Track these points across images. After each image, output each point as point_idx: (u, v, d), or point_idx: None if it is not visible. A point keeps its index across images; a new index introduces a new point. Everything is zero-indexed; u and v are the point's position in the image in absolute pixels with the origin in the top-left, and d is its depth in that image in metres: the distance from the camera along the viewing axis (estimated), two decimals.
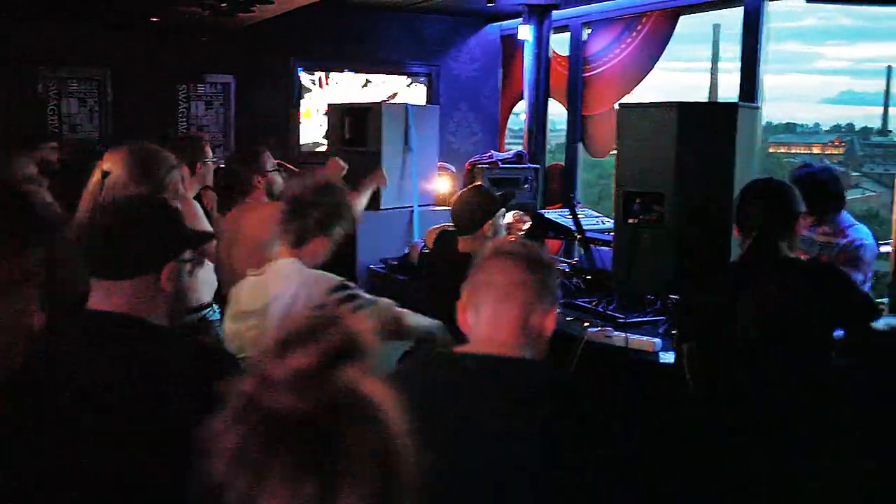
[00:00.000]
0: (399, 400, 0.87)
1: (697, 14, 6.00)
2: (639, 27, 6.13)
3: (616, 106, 6.32)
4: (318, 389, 0.81)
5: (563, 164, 6.88)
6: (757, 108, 3.87)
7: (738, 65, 5.25)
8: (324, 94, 7.04)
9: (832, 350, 2.89)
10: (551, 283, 1.86)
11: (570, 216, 4.89)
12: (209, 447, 0.81)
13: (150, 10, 5.75)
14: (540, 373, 1.84)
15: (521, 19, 6.56)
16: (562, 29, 6.75)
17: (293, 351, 0.83)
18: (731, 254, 3.36)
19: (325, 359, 0.83)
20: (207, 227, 3.88)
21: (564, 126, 6.89)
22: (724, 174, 3.42)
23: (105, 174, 2.46)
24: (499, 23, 7.40)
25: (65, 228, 1.99)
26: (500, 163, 6.18)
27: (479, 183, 5.22)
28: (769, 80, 5.23)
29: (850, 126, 24.37)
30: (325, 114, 6.08)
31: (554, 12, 6.49)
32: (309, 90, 7.07)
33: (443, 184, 5.97)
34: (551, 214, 5.79)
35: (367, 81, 7.25)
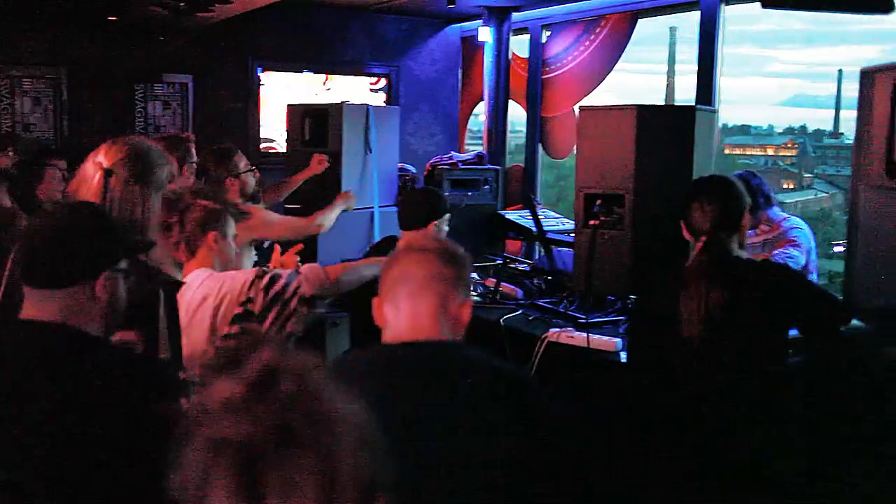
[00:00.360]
0: (348, 404, 0.87)
1: (655, 17, 6.07)
2: (598, 29, 6.19)
3: (576, 108, 6.42)
4: (255, 414, 0.81)
5: (522, 165, 6.92)
6: (714, 111, 3.93)
7: (695, 67, 5.32)
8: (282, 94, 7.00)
9: (787, 349, 2.93)
10: (465, 276, 1.93)
11: (531, 217, 4.92)
12: (164, 468, 0.81)
13: (107, 8, 5.67)
14: (467, 351, 1.91)
15: (480, 21, 6.58)
16: (521, 31, 6.78)
17: (223, 377, 0.83)
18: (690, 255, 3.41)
19: (257, 383, 0.83)
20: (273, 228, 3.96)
21: (524, 127, 6.92)
22: (683, 176, 3.46)
23: (109, 173, 2.41)
24: (459, 24, 7.41)
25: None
26: (460, 164, 6.20)
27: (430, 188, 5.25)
28: (725, 83, 5.30)
29: (803, 128, 24.80)
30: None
31: (513, 14, 6.52)
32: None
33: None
34: (512, 215, 5.83)
35: (327, 87, 7.22)
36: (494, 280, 4.49)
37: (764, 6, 3.47)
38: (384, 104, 7.22)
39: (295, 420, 0.82)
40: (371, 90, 7.34)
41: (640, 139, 3.52)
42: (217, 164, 4.09)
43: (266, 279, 2.72)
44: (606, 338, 3.58)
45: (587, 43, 6.28)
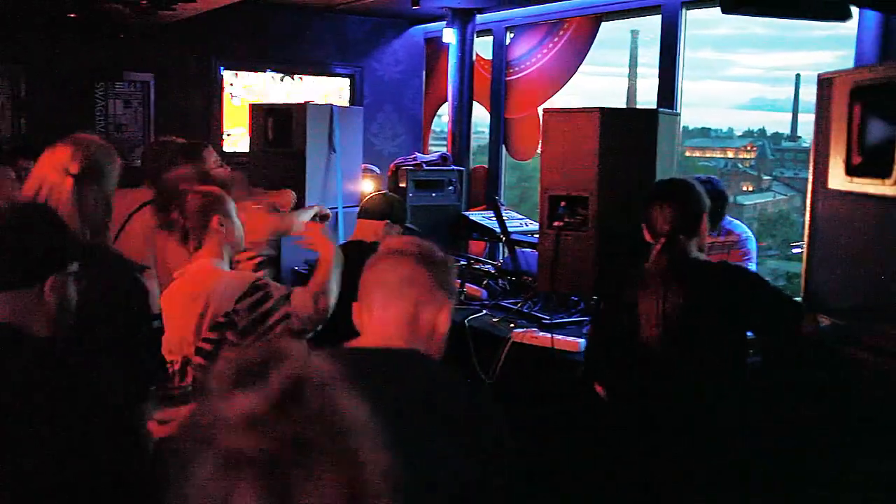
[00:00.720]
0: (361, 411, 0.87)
1: (618, 21, 6.12)
2: (561, 32, 6.23)
3: (539, 110, 6.45)
4: (274, 428, 0.80)
5: (486, 166, 6.94)
6: (677, 114, 3.98)
7: (655, 70, 5.38)
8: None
9: (746, 349, 2.96)
10: (445, 280, 1.84)
11: (495, 218, 4.94)
12: (173, 481, 0.80)
13: (67, 6, 5.59)
14: (427, 364, 1.80)
15: (444, 22, 6.59)
16: (485, 33, 6.80)
17: (245, 389, 0.82)
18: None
19: (281, 400, 0.82)
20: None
21: (487, 129, 6.95)
22: (647, 178, 3.50)
23: (73, 175, 2.40)
24: (423, 25, 7.42)
25: None
26: (424, 165, 6.20)
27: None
28: (685, 86, 5.36)
29: (762, 131, 25.12)
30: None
31: (477, 16, 6.53)
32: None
33: (368, 185, 5.97)
34: (476, 216, 5.85)
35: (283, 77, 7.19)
36: (459, 281, 4.50)
37: (724, 11, 3.52)
38: (348, 104, 7.22)
39: (318, 433, 0.81)
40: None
41: (603, 142, 3.55)
42: (186, 158, 4.06)
43: (256, 296, 2.68)
44: (570, 338, 3.61)
45: (551, 45, 6.32)
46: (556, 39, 6.27)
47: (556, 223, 3.64)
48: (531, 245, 4.57)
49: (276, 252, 4.57)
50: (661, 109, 3.86)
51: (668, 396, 2.82)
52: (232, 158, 6.22)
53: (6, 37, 6.12)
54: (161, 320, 4.25)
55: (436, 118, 7.69)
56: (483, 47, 6.87)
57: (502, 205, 5.47)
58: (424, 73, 7.61)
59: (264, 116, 5.54)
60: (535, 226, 5.10)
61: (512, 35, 6.69)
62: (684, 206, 2.89)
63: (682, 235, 2.86)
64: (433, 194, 6.07)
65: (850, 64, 4.12)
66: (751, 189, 22.02)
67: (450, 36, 6.51)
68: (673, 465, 2.79)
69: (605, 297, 3.15)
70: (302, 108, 5.42)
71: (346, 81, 7.38)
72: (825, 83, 2.62)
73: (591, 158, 3.57)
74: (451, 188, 6.19)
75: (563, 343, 3.58)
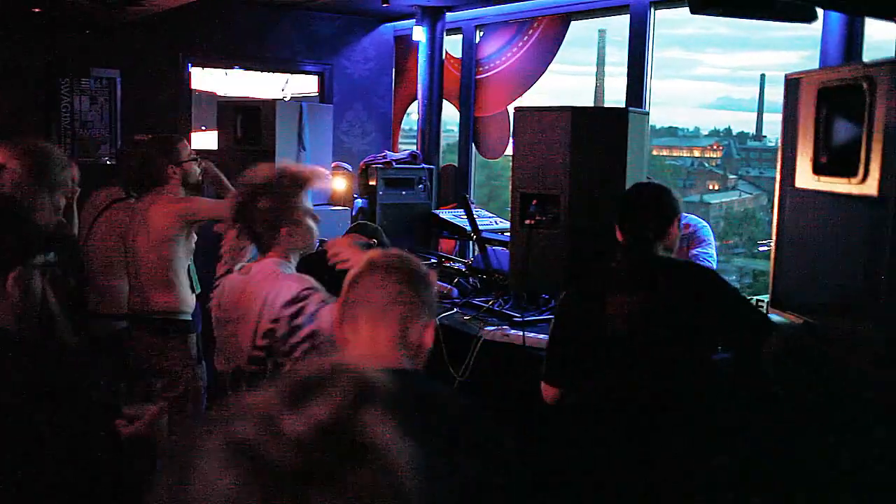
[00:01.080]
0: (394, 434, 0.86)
1: (587, 20, 6.15)
2: (531, 31, 6.25)
3: (509, 108, 6.47)
4: (328, 446, 0.79)
5: (455, 164, 6.95)
6: (646, 113, 4.00)
7: (623, 69, 5.41)
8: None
9: (712, 347, 2.99)
10: (428, 297, 1.86)
11: (466, 216, 4.95)
12: (197, 488, 0.78)
13: (32, 0, 5.51)
14: (427, 383, 1.84)
15: (414, 20, 6.59)
16: (455, 31, 6.81)
17: (306, 404, 0.81)
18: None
19: (339, 415, 0.81)
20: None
21: (457, 127, 6.95)
22: (618, 177, 3.53)
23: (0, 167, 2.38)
24: (392, 23, 7.41)
25: None
26: (394, 163, 6.20)
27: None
28: (653, 85, 5.40)
29: (728, 131, 25.32)
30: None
31: (447, 14, 6.54)
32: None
33: (339, 183, 5.96)
34: (446, 215, 5.85)
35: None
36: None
37: (693, 11, 3.55)
38: (317, 102, 7.19)
39: (349, 457, 0.80)
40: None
41: (575, 140, 3.57)
42: (159, 152, 4.04)
43: (296, 306, 2.57)
44: (542, 336, 3.63)
45: (520, 44, 6.34)
46: (525, 38, 6.29)
47: (527, 221, 3.65)
48: (502, 243, 4.58)
49: None
50: (631, 108, 3.89)
51: (635, 394, 2.84)
52: (199, 156, 6.16)
53: None
54: (126, 320, 4.21)
55: (405, 116, 7.69)
56: (453, 45, 6.88)
57: (473, 203, 5.48)
58: (394, 71, 7.60)
59: (233, 113, 5.50)
60: (505, 224, 5.12)
61: (482, 33, 6.70)
62: (657, 210, 2.94)
63: (651, 235, 2.90)
64: (403, 192, 6.07)
65: (814, 64, 4.18)
66: (717, 188, 22.22)
67: (419, 34, 6.51)
68: (642, 463, 2.81)
69: (572, 294, 3.17)
70: (271, 104, 5.39)
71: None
72: (792, 83, 2.65)
73: (563, 157, 3.59)
74: (421, 186, 6.19)
75: (535, 341, 3.59)
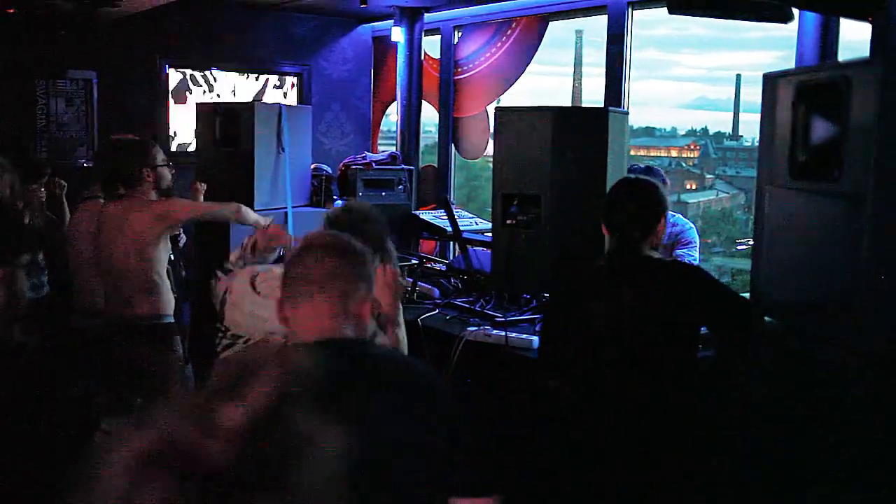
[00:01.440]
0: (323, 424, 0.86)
1: (565, 20, 6.17)
2: (509, 31, 6.26)
3: (489, 109, 6.48)
4: (248, 446, 0.79)
5: (434, 165, 6.95)
6: (626, 113, 4.02)
7: (600, 70, 5.43)
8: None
9: (696, 346, 3.01)
10: (366, 272, 1.92)
11: (447, 217, 4.95)
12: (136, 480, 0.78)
13: (7, 1, 5.46)
14: (374, 348, 1.96)
15: (392, 21, 6.58)
16: (434, 31, 6.80)
17: (241, 392, 0.81)
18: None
19: (260, 417, 0.81)
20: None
21: (436, 128, 6.95)
22: (598, 176, 3.54)
23: None
24: (371, 24, 7.40)
25: None
26: (374, 164, 6.19)
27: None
28: (631, 86, 5.42)
29: (705, 130, 25.52)
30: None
31: (426, 15, 6.54)
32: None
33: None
34: (426, 215, 5.85)
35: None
36: (411, 280, 4.50)
37: (671, 11, 3.57)
38: (296, 103, 7.17)
39: (279, 453, 0.81)
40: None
41: (555, 140, 3.59)
42: (132, 156, 4.01)
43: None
44: (524, 336, 3.64)
45: (499, 45, 6.35)
46: (504, 39, 6.30)
47: (508, 221, 3.66)
48: (483, 243, 4.59)
49: None
50: (611, 108, 3.90)
51: (622, 392, 2.85)
52: (178, 158, 6.14)
53: None
54: (106, 327, 4.17)
55: (384, 117, 7.68)
56: (431, 46, 6.88)
57: (453, 204, 5.48)
58: (373, 71, 7.58)
59: (212, 116, 5.48)
60: (485, 224, 5.13)
61: (460, 34, 6.71)
62: (644, 206, 2.92)
63: (637, 233, 2.89)
64: (383, 193, 6.06)
65: (789, 64, 4.21)
66: (694, 187, 22.38)
67: (398, 35, 6.51)
68: (628, 462, 2.83)
69: (558, 293, 3.17)
70: (250, 107, 5.37)
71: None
72: (770, 83, 2.67)
73: (544, 157, 3.60)
74: (400, 187, 6.19)
75: (517, 340, 3.60)
